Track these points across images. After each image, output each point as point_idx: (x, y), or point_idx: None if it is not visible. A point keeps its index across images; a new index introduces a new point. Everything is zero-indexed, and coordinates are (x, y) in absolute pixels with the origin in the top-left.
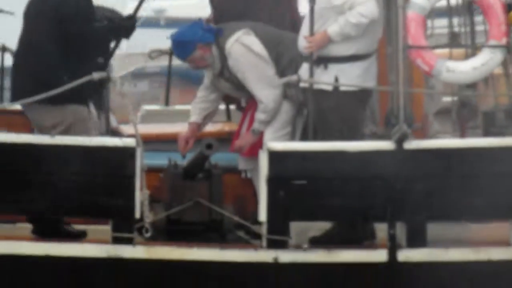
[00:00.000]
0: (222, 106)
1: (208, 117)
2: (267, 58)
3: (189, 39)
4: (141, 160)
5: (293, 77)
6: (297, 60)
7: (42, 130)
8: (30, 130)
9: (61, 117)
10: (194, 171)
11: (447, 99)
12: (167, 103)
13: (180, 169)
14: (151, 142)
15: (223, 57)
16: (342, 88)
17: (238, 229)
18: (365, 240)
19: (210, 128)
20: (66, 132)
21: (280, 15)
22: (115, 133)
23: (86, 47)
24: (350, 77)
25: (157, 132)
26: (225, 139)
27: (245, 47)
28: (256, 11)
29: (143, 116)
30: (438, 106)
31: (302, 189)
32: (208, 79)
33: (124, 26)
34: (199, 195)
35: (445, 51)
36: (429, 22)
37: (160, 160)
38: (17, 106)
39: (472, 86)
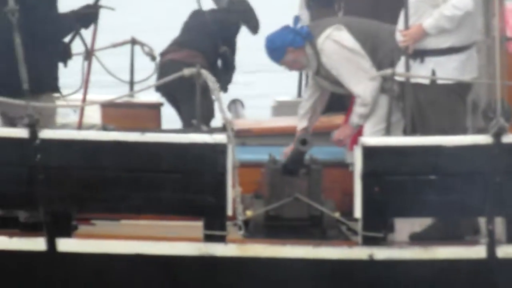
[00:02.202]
0: None
1: (315, 116)
2: (360, 51)
3: (278, 46)
4: (233, 157)
5: (388, 71)
6: (393, 53)
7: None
8: (159, 124)
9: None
10: (293, 167)
11: None
12: (299, 93)
13: (279, 164)
14: (266, 136)
15: (318, 56)
16: (439, 82)
17: (341, 225)
18: (467, 235)
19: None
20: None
21: None
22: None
23: (50, 34)
24: (447, 70)
25: (271, 126)
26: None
27: (336, 43)
28: (383, 11)
29: (274, 107)
30: None
31: (398, 185)
32: (310, 78)
33: (87, 14)
34: (298, 191)
35: None
36: None
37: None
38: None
39: None
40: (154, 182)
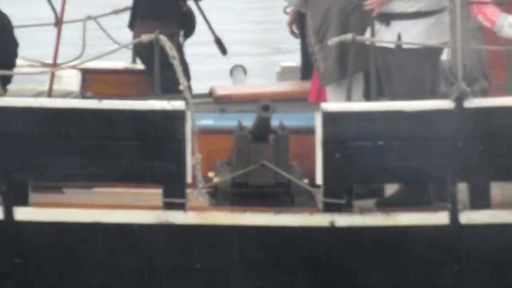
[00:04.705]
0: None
1: None
2: None
3: None
4: (193, 123)
5: (349, 35)
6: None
7: None
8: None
9: None
10: (260, 133)
11: None
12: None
13: (245, 131)
14: (245, 102)
15: None
16: (405, 46)
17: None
18: (434, 201)
19: (288, 87)
20: None
21: None
22: None
23: None
24: (412, 34)
25: (251, 92)
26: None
27: None
28: None
29: (279, 73)
30: None
31: (359, 151)
32: None
33: None
34: (265, 158)
35: None
36: None
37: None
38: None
39: None
40: (112, 150)
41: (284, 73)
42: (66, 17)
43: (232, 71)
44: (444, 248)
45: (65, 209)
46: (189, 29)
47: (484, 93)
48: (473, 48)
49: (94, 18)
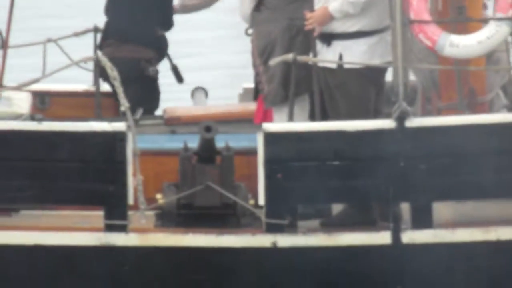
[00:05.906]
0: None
1: None
2: None
3: None
4: (134, 145)
5: (289, 55)
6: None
7: None
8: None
9: None
10: (205, 154)
11: None
12: None
13: (190, 152)
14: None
15: None
16: (347, 66)
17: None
18: (379, 221)
19: (238, 108)
20: None
21: None
22: None
23: None
24: (354, 54)
25: (200, 113)
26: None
27: None
28: None
29: (241, 95)
30: (505, 79)
31: (301, 171)
32: None
33: None
34: (210, 179)
35: None
36: None
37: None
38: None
39: None
40: (53, 172)
41: (246, 94)
42: (27, 40)
43: (193, 93)
44: (387, 268)
45: (5, 231)
46: (162, 55)
47: (439, 112)
48: (418, 68)
49: (55, 41)
